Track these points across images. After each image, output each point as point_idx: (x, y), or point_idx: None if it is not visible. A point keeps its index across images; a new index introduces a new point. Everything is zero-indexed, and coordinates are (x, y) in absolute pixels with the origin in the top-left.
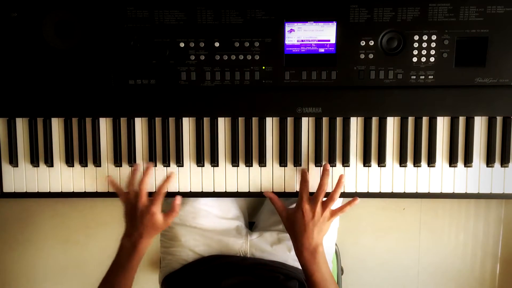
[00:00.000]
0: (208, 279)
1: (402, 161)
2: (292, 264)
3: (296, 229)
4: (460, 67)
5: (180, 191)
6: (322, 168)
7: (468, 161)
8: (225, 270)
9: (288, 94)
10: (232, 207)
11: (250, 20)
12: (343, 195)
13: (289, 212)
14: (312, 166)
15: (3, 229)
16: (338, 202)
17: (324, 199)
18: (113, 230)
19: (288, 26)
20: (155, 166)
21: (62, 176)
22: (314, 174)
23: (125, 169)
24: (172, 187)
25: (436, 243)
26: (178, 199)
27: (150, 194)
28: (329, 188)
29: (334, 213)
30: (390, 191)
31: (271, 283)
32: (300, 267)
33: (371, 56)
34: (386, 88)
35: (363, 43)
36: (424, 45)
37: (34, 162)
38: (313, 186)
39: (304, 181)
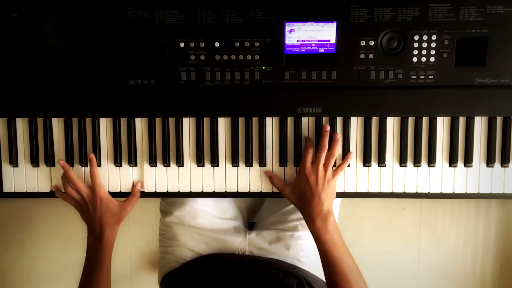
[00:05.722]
0: (207, 277)
1: (402, 161)
2: (291, 262)
3: (304, 198)
4: (460, 67)
5: (180, 191)
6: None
7: (468, 161)
8: (224, 268)
9: (288, 94)
10: (230, 208)
11: (250, 20)
12: (344, 195)
13: (293, 184)
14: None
15: (3, 229)
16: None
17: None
18: None
19: (288, 26)
20: (155, 166)
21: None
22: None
23: (125, 169)
24: (172, 187)
25: (436, 243)
26: (139, 184)
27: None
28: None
29: (335, 172)
30: (390, 191)
31: (269, 280)
32: (298, 265)
33: (371, 56)
34: (386, 88)
35: (363, 43)
36: (424, 45)
37: (34, 162)
38: None
39: (309, 147)
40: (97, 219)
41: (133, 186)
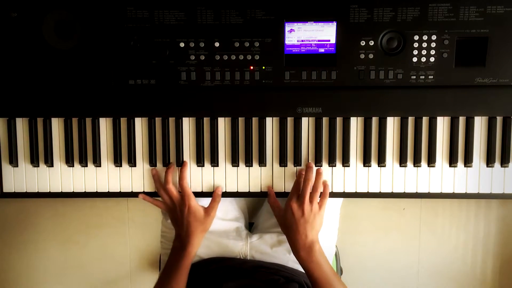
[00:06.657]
0: (209, 281)
1: (402, 161)
2: (292, 266)
3: (289, 229)
4: (460, 67)
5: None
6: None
7: (468, 161)
8: (226, 273)
9: (288, 94)
10: (232, 208)
11: (250, 20)
12: (344, 195)
13: (281, 213)
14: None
15: (3, 229)
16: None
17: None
18: (113, 230)
19: (288, 26)
20: (155, 166)
21: (62, 176)
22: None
23: (125, 169)
24: None
25: (436, 243)
26: (219, 189)
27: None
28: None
29: (321, 204)
30: (390, 191)
31: (271, 286)
32: (300, 269)
33: (371, 56)
34: (386, 88)
35: (363, 43)
36: (424, 45)
37: (34, 162)
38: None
39: (297, 182)
40: (184, 225)
41: (214, 191)
